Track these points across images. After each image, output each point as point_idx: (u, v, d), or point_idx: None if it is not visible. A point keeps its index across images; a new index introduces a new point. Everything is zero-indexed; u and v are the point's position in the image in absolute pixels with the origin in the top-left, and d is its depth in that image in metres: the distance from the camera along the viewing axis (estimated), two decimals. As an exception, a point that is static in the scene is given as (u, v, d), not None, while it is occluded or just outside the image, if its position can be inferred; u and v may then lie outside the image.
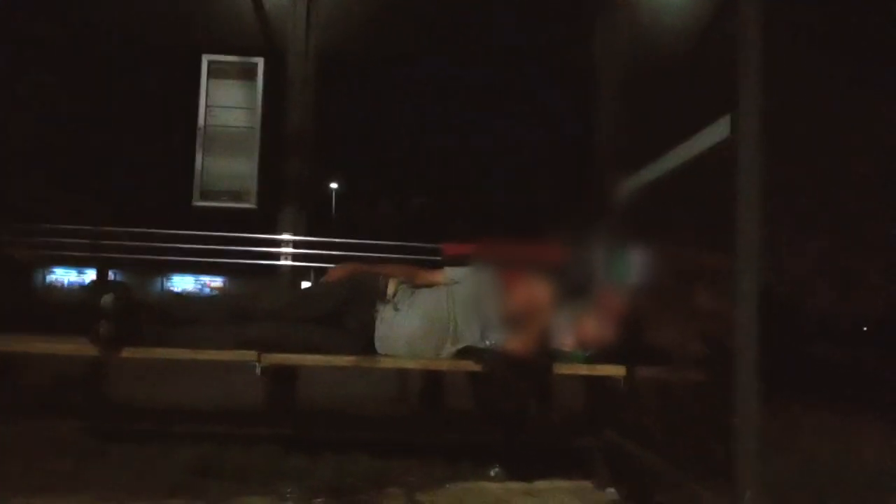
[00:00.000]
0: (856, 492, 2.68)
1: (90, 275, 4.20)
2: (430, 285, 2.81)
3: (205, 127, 3.68)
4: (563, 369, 2.64)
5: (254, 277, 3.77)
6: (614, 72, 3.39)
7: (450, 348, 2.65)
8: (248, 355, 2.49)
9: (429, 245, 3.37)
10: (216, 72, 3.72)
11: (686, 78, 2.54)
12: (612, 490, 2.76)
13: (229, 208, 3.65)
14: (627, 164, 2.86)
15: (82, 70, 4.28)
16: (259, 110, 3.70)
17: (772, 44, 1.81)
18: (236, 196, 3.66)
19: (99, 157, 4.37)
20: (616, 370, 2.62)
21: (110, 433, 3.02)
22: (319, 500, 2.50)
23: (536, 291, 2.64)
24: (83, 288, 2.81)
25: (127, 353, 2.47)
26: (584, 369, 2.68)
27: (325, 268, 3.07)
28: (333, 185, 18.67)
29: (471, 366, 2.58)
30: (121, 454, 2.82)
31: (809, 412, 4.44)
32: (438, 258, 3.25)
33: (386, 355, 2.64)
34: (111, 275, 3.71)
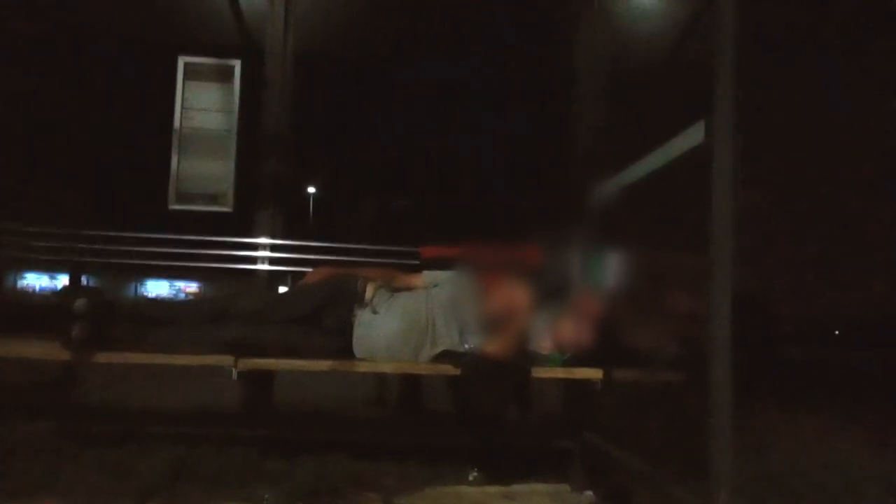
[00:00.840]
0: (834, 493, 2.72)
1: (62, 279, 4.14)
2: (408, 288, 2.81)
3: (181, 129, 3.64)
4: (540, 372, 2.66)
5: (230, 281, 3.74)
6: (593, 76, 3.42)
7: (428, 351, 2.65)
8: (225, 359, 2.47)
9: (407, 248, 3.37)
10: (192, 73, 3.68)
11: (663, 82, 2.57)
12: (589, 492, 2.78)
13: (205, 212, 3.61)
14: (604, 167, 2.89)
15: (56, 70, 4.21)
16: (236, 112, 3.67)
17: (748, 46, 1.83)
18: (212, 199, 3.63)
19: (72, 159, 4.30)
20: (593, 373, 2.64)
21: (84, 436, 2.98)
22: (297, 503, 2.48)
23: (514, 294, 2.65)
24: (55, 292, 2.77)
25: (101, 357, 2.44)
26: (561, 372, 2.69)
27: (303, 272, 3.06)
28: (311, 189, 18.55)
29: (449, 369, 2.58)
30: (95, 457, 2.78)
31: (790, 414, 4.50)
32: (417, 261, 3.25)
33: (364, 358, 2.63)
34: (84, 279, 3.65)
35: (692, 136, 1.96)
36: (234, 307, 2.62)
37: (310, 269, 2.99)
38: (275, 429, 3.25)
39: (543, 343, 2.69)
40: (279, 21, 3.53)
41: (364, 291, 2.71)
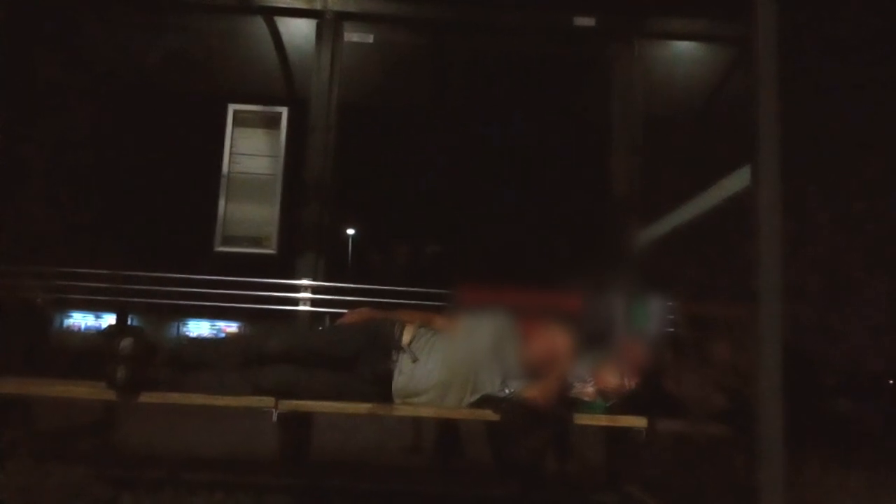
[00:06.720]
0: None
1: (108, 319, 4.24)
2: (447, 332, 2.78)
3: (229, 174, 3.76)
4: (583, 420, 2.59)
5: (272, 322, 3.78)
6: (632, 123, 3.43)
7: (468, 397, 2.61)
8: (266, 401, 2.47)
9: (447, 291, 3.36)
10: (241, 120, 3.82)
11: (704, 129, 2.56)
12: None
13: (250, 254, 3.69)
14: (647, 212, 2.87)
15: (110, 117, 4.40)
16: (282, 158, 3.78)
17: (789, 87, 1.82)
18: (257, 242, 3.71)
19: (125, 203, 4.45)
20: (637, 421, 2.56)
21: (121, 481, 2.99)
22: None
23: (556, 339, 2.60)
24: (101, 332, 2.82)
25: (144, 397, 2.47)
26: (604, 420, 2.62)
27: (343, 313, 3.06)
28: (350, 231, 18.81)
29: (489, 415, 2.53)
30: (132, 503, 2.78)
31: (838, 469, 4.30)
32: (456, 305, 3.23)
33: (404, 403, 2.60)
34: (129, 319, 3.73)
35: (737, 181, 1.94)
36: (271, 351, 2.61)
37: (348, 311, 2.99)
38: (311, 477, 3.22)
39: (586, 389, 2.62)
40: (325, 72, 3.64)
41: (402, 336, 2.67)
